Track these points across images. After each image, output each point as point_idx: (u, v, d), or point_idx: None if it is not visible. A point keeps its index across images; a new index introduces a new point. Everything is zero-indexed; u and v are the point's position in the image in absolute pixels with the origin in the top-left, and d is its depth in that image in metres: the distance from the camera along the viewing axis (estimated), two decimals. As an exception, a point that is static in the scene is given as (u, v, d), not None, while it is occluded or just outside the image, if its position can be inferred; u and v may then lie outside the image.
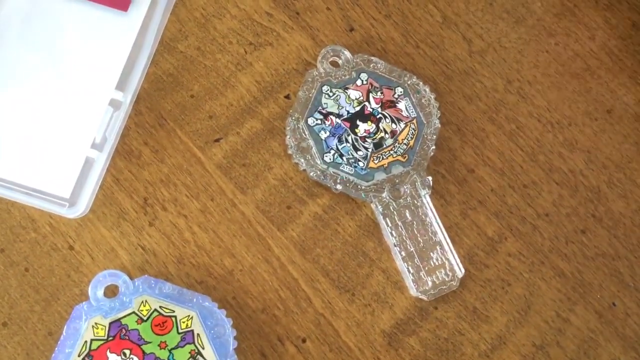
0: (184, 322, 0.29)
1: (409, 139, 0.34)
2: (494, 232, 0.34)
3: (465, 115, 0.36)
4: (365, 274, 0.32)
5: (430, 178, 0.33)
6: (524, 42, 0.37)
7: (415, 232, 0.33)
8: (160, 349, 0.28)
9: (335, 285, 0.32)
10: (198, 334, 0.29)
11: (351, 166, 0.33)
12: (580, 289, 0.33)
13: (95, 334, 0.28)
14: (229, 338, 0.29)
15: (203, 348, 0.28)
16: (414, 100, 0.34)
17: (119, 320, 0.28)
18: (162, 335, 0.28)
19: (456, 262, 0.32)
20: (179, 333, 0.29)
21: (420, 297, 0.32)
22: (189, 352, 0.28)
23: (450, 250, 0.32)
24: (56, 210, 0.30)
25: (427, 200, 0.33)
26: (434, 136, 0.34)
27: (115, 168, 0.32)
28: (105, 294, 0.29)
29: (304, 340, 0.31)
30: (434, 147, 0.34)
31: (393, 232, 0.32)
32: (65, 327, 0.28)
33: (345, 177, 0.33)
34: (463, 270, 0.32)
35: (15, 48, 0.32)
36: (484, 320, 0.32)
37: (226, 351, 0.29)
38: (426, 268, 0.32)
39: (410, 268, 0.32)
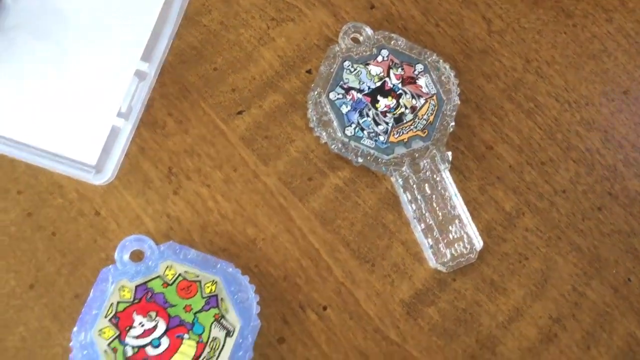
0: (208, 287, 0.29)
1: (429, 114, 0.34)
2: (512, 208, 0.34)
3: (484, 93, 0.36)
4: (385, 245, 0.32)
5: (449, 153, 0.33)
6: (542, 23, 0.38)
7: (435, 206, 0.33)
8: (186, 312, 0.29)
9: (355, 255, 0.32)
10: (222, 299, 0.29)
11: (372, 140, 0.33)
12: (596, 264, 0.34)
13: (122, 297, 0.29)
14: (253, 303, 0.29)
15: (227, 312, 0.29)
16: (433, 77, 0.35)
17: (144, 283, 0.29)
18: (187, 299, 0.29)
19: (475, 235, 0.33)
20: (203, 297, 0.29)
21: (439, 268, 0.32)
22: (213, 316, 0.29)
23: (469, 223, 0.33)
24: (83, 176, 0.30)
25: (446, 174, 0.33)
26: (454, 113, 0.34)
27: (140, 138, 0.32)
28: (130, 259, 0.29)
29: (324, 308, 0.31)
30: (453, 123, 0.34)
31: (412, 205, 0.33)
32: (93, 289, 0.28)
33: (366, 151, 0.33)
34: (482, 243, 0.32)
35: (44, 19, 0.33)
36: (502, 292, 0.32)
37: (249, 315, 0.29)
38: (445, 241, 0.33)
39: (429, 240, 0.32)
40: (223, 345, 0.29)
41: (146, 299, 0.29)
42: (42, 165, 0.30)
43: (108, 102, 0.31)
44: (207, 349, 0.28)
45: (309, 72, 0.35)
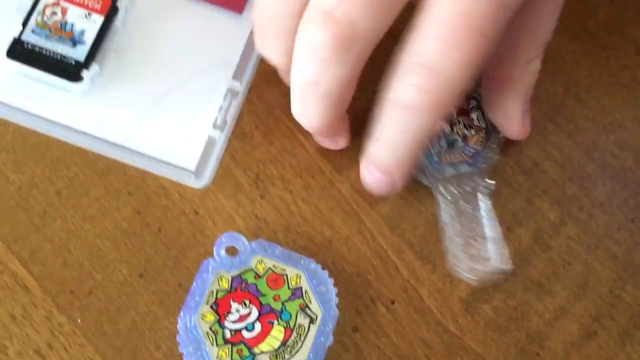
0: (293, 280, 0.33)
1: (477, 145, 0.38)
2: (556, 218, 0.38)
3: (530, 114, 0.40)
4: (444, 248, 0.37)
5: (493, 182, 0.37)
6: (579, 54, 0.42)
7: (472, 224, 0.37)
8: (275, 301, 0.33)
9: (419, 256, 0.36)
10: (306, 291, 0.33)
11: (427, 159, 0.37)
12: (630, 270, 0.38)
13: (221, 286, 0.33)
14: (332, 295, 0.33)
15: (310, 302, 0.33)
16: (485, 113, 0.39)
17: (239, 275, 0.33)
18: (276, 289, 0.33)
19: (504, 258, 0.35)
20: (289, 289, 0.33)
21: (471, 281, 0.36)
22: (299, 305, 0.33)
23: (502, 246, 0.36)
24: (184, 180, 0.34)
25: (486, 200, 0.37)
26: (499, 149, 0.38)
27: (232, 147, 0.37)
28: (226, 253, 0.33)
29: (392, 302, 0.35)
30: (498, 156, 0.38)
31: (451, 221, 0.37)
32: (195, 279, 0.32)
33: (421, 167, 0.37)
34: (511, 266, 0.36)
35: (150, 42, 0.37)
36: (548, 293, 0.36)
37: (329, 306, 0.33)
38: (477, 258, 0.36)
39: (463, 254, 0.36)
40: (307, 331, 0.32)
41: (241, 288, 0.33)
42: (150, 169, 0.35)
43: (205, 115, 0.36)
44: (294, 334, 0.32)
45: (374, 92, 0.39)
